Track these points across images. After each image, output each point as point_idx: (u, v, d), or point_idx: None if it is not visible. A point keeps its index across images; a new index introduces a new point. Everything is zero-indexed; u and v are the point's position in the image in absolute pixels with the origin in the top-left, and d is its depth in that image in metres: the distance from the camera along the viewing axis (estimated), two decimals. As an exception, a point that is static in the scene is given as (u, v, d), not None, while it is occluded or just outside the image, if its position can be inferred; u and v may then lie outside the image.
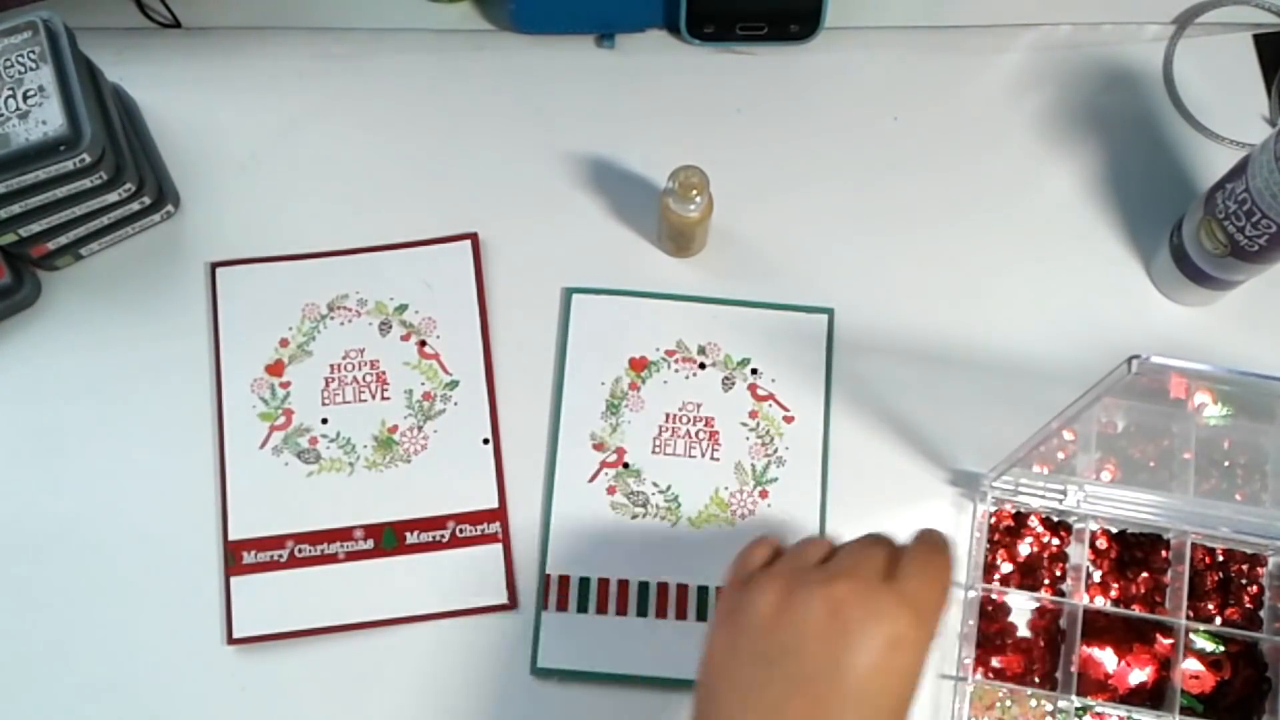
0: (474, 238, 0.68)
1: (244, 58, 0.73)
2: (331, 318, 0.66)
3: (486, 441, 0.64)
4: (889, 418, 0.65)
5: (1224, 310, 0.67)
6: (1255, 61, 0.73)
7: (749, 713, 0.43)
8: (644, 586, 0.62)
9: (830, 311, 0.67)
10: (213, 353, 0.66)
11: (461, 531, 0.63)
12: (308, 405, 0.65)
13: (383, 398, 0.65)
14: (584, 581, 0.62)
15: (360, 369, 0.66)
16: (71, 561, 0.63)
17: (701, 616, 0.62)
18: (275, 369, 0.65)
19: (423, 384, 0.65)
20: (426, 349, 0.66)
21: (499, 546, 0.63)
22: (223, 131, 0.71)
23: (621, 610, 0.62)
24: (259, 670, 0.61)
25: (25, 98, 0.59)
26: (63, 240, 0.65)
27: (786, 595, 0.45)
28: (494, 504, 0.63)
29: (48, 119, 0.58)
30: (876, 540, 0.47)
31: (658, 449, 0.65)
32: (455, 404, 0.65)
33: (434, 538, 0.63)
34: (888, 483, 0.64)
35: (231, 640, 0.61)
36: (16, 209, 0.60)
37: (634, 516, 0.63)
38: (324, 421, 0.65)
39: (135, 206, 0.66)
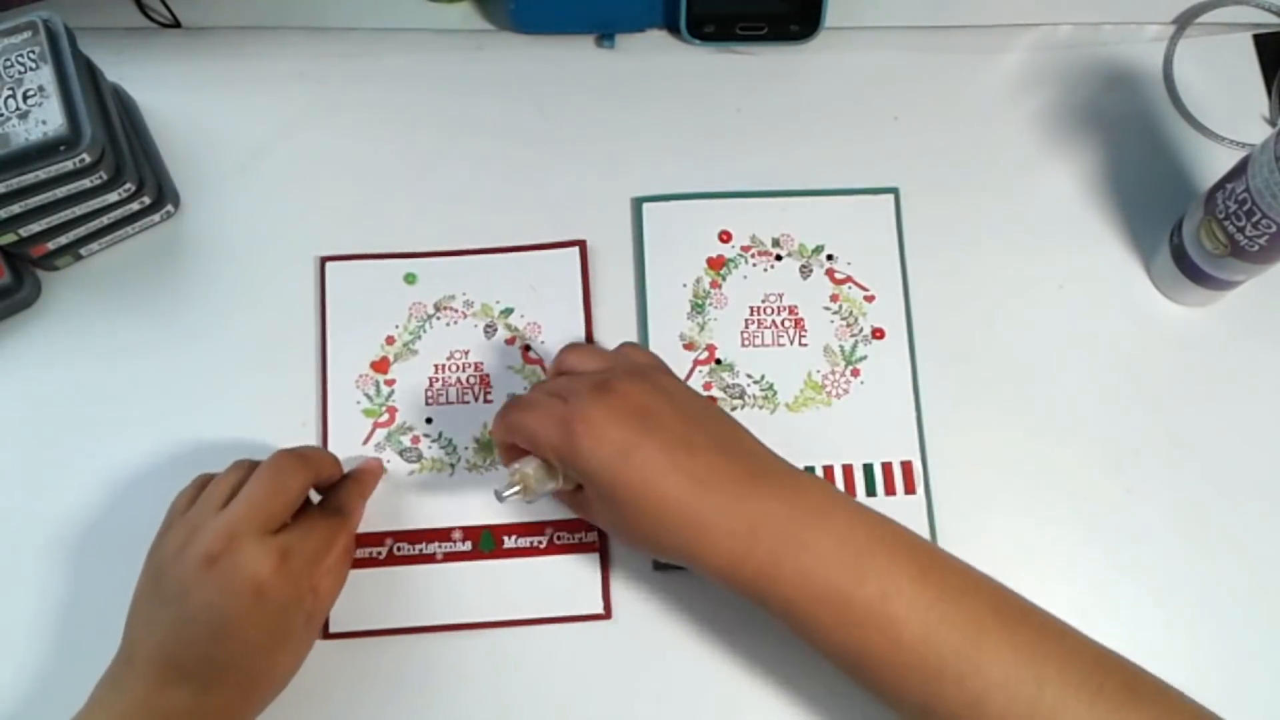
0: (582, 245, 0.67)
1: (244, 58, 0.73)
2: (438, 317, 0.66)
3: None
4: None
5: (1224, 310, 0.67)
6: (1255, 61, 0.73)
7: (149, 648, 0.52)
8: None
9: (896, 190, 0.68)
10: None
11: (559, 539, 0.62)
12: (412, 404, 0.65)
13: (485, 400, 0.65)
14: None
15: (464, 370, 0.65)
16: (70, 561, 0.62)
17: None
18: (380, 366, 0.65)
19: (525, 389, 0.65)
20: (531, 354, 0.66)
21: (596, 555, 0.62)
22: (223, 131, 0.71)
23: None
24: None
25: (25, 98, 0.59)
26: (62, 240, 0.65)
27: (188, 538, 0.53)
28: None
29: (48, 119, 0.58)
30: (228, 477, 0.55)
31: (746, 342, 0.65)
32: None
33: (531, 543, 0.62)
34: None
35: (328, 635, 0.61)
36: (16, 209, 0.60)
37: (732, 409, 0.64)
38: (428, 421, 0.65)
39: (135, 206, 0.66)
